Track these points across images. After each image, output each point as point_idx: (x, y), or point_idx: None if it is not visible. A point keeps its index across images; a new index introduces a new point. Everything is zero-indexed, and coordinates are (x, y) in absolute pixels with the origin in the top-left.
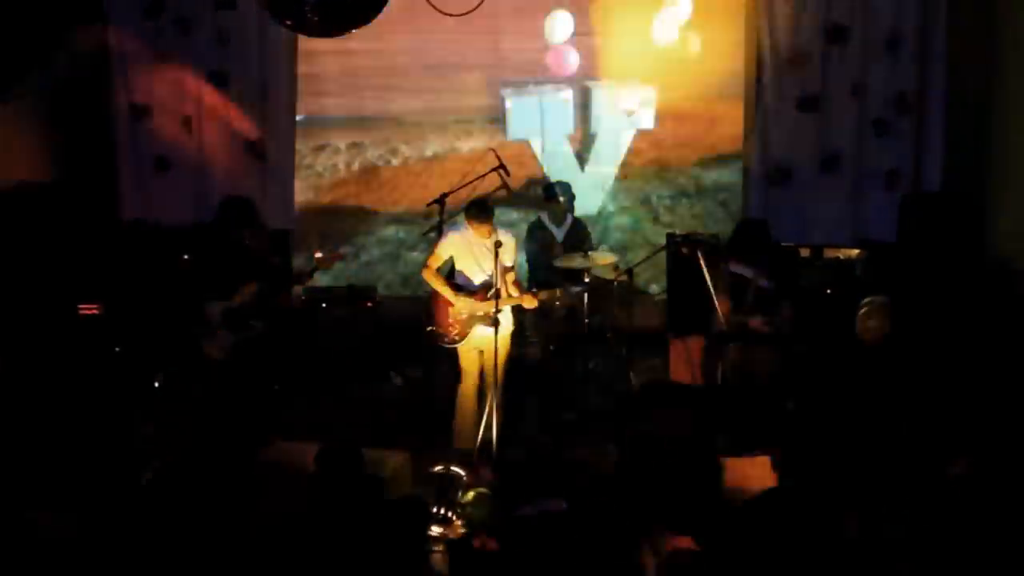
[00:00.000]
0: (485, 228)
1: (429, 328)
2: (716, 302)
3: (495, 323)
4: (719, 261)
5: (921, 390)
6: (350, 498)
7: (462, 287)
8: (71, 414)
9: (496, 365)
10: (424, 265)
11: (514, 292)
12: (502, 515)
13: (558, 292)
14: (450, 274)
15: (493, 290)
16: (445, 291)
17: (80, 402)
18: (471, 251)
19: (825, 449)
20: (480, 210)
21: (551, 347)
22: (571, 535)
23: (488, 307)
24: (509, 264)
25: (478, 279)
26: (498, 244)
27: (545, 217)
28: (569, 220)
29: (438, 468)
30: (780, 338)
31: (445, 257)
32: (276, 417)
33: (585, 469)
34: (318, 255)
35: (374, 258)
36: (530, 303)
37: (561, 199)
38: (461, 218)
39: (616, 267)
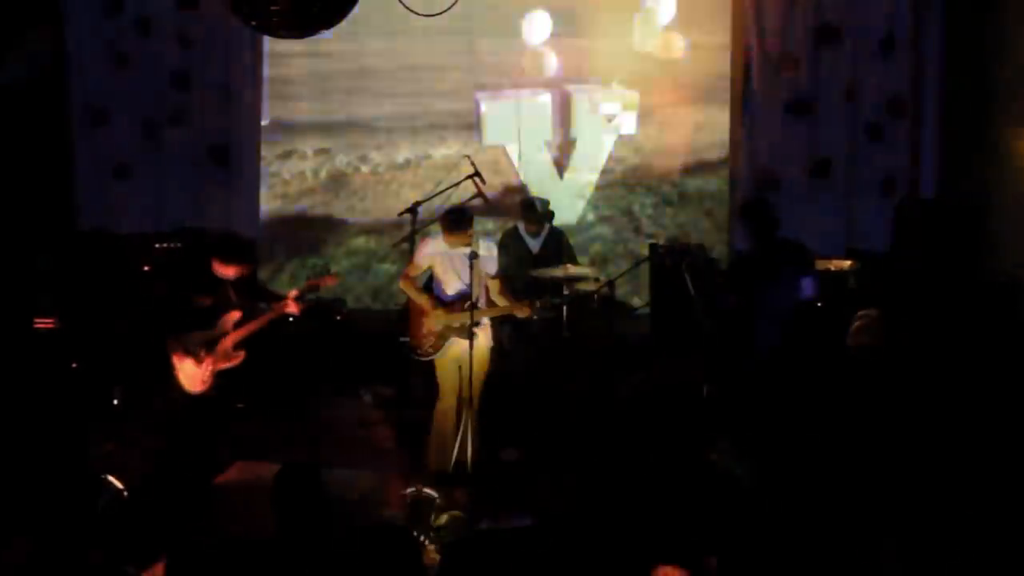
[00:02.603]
0: (460, 239)
1: (403, 339)
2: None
3: (471, 335)
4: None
5: (917, 406)
6: (310, 520)
7: (439, 298)
8: (25, 433)
9: (472, 381)
10: (402, 274)
11: (502, 301)
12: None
13: (552, 302)
14: (428, 283)
15: (470, 301)
16: (422, 301)
17: (35, 421)
18: (450, 261)
19: (816, 466)
20: (455, 220)
21: (530, 362)
22: (530, 554)
23: (464, 318)
24: (492, 272)
25: (456, 289)
26: (473, 255)
27: (521, 227)
28: (546, 229)
29: (410, 490)
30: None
31: (424, 266)
32: (240, 437)
33: (564, 490)
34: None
35: (343, 270)
36: (523, 312)
37: (541, 213)
38: (437, 227)
39: (596, 279)
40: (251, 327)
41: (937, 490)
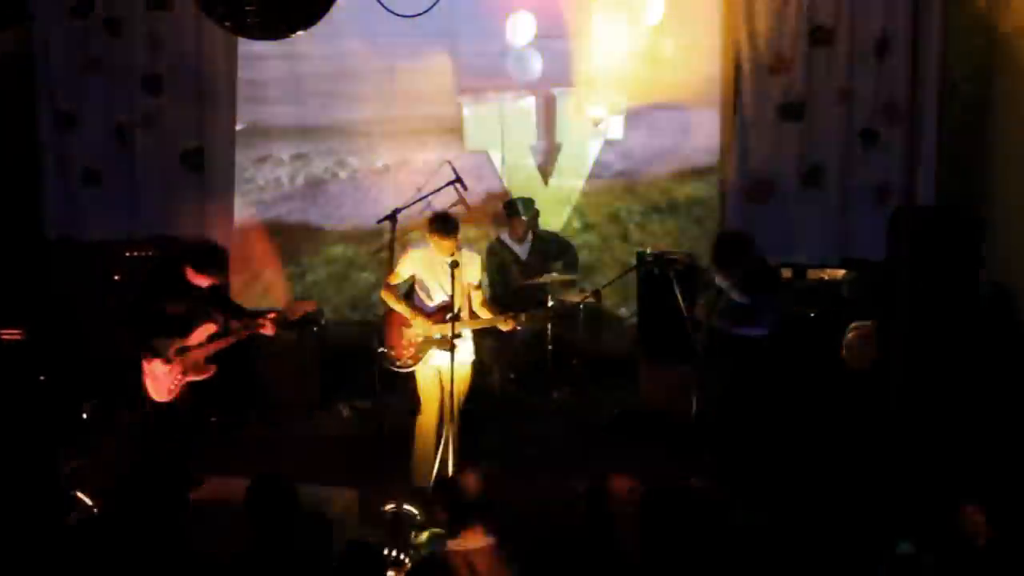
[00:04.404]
0: (449, 244)
1: (381, 350)
2: (690, 324)
3: (452, 347)
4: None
5: (911, 420)
6: (285, 537)
7: (421, 309)
8: None
9: (453, 395)
10: (383, 283)
11: (484, 314)
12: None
13: (537, 314)
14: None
15: (451, 313)
16: (403, 310)
17: (1, 436)
18: (433, 270)
19: (807, 480)
20: (443, 224)
21: (512, 375)
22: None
23: (445, 330)
24: (475, 282)
25: (439, 300)
26: (454, 264)
27: (505, 235)
28: (530, 237)
29: (390, 507)
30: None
31: (406, 275)
32: (213, 452)
33: (547, 508)
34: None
35: (320, 279)
36: (506, 325)
37: (524, 217)
38: (417, 235)
39: (582, 288)
40: (224, 341)
41: (933, 504)
